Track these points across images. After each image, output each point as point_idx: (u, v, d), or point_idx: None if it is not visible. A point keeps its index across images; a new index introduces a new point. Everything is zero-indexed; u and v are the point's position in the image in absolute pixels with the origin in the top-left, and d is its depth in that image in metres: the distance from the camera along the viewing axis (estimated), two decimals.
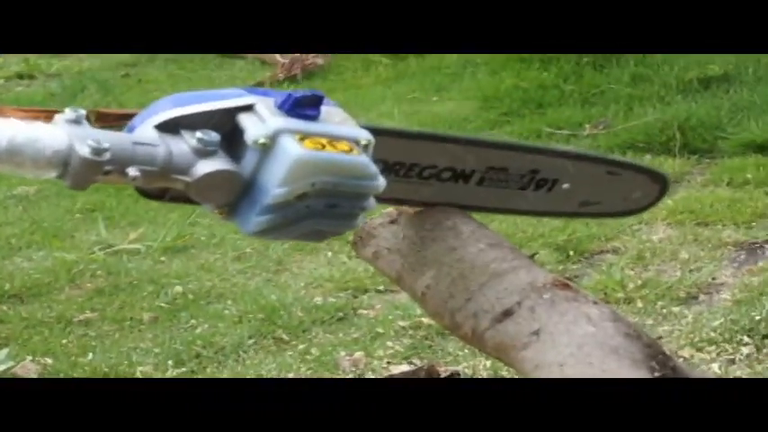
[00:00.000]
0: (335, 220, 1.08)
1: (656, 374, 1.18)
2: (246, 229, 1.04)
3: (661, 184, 1.46)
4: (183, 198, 1.05)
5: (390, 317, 2.76)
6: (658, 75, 4.75)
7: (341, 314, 2.87)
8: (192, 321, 2.91)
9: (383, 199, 1.17)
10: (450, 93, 5.25)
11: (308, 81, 5.94)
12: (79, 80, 6.50)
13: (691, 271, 2.91)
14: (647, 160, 3.98)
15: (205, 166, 1.00)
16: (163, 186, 1.04)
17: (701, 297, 2.76)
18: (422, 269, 1.35)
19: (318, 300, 2.97)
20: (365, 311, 2.88)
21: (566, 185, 1.37)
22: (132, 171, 0.98)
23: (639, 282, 2.83)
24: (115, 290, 3.19)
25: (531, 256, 1.41)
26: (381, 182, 1.07)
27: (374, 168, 1.07)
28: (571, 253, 3.11)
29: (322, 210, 1.05)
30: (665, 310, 2.67)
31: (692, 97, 4.51)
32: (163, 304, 3.05)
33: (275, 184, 1.01)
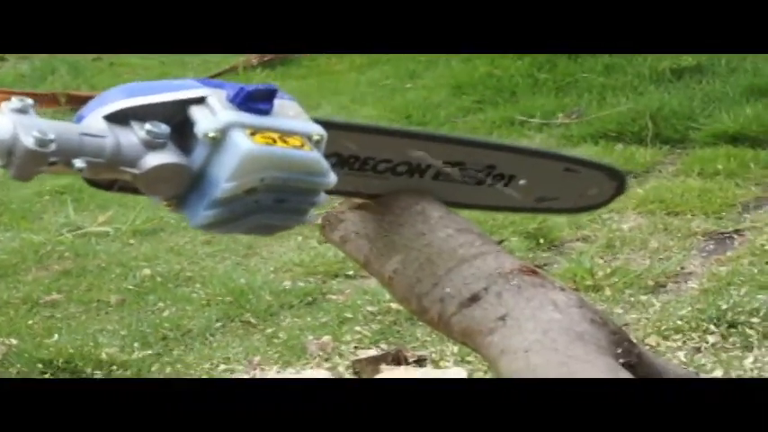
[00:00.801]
0: (284, 214, 1.06)
1: (621, 361, 1.18)
2: (194, 223, 1.03)
3: (618, 182, 1.46)
4: (132, 189, 1.04)
5: (359, 302, 2.75)
6: (631, 64, 4.77)
7: (309, 299, 2.86)
8: (160, 304, 2.90)
9: (337, 192, 1.16)
10: (423, 80, 5.25)
11: (283, 66, 5.92)
12: (50, 62, 6.45)
13: (660, 260, 2.92)
14: (618, 149, 3.99)
15: (154, 159, 0.99)
16: (111, 177, 1.02)
17: (669, 286, 2.77)
18: (389, 254, 1.35)
19: (287, 284, 2.96)
20: (334, 296, 2.87)
21: (522, 181, 1.38)
22: (78, 162, 0.96)
23: (608, 270, 2.83)
24: (83, 272, 3.17)
25: (500, 243, 1.41)
26: (332, 178, 1.06)
27: (325, 164, 1.05)
28: (541, 241, 3.11)
29: (271, 204, 1.04)
30: (633, 299, 2.68)
31: (664, 87, 4.53)
32: (130, 287, 3.03)
33: (224, 178, 0.99)
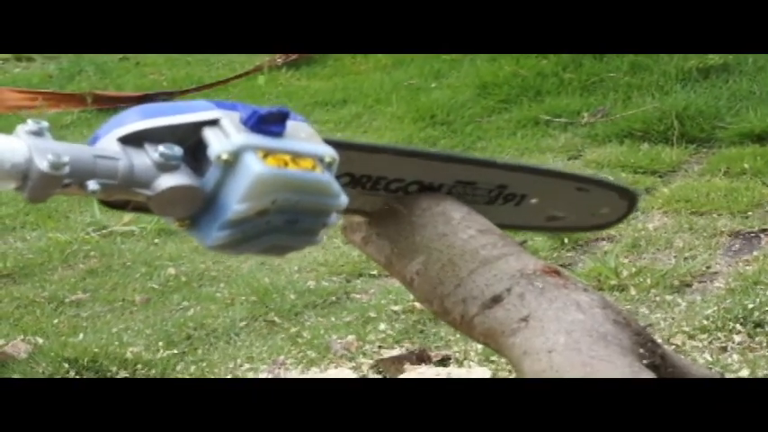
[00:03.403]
0: (296, 235, 1.07)
1: (645, 362, 1.17)
2: (206, 244, 1.03)
3: (629, 201, 1.47)
4: (146, 209, 1.04)
5: (383, 301, 2.75)
6: (658, 64, 4.74)
7: (333, 298, 2.86)
8: (185, 303, 2.90)
9: (350, 211, 1.16)
10: (448, 79, 5.24)
11: (308, 66, 5.92)
12: (77, 62, 6.48)
13: (685, 259, 2.90)
14: (644, 149, 3.98)
15: (166, 181, 0.99)
16: (124, 198, 1.03)
17: (695, 285, 2.75)
18: (411, 255, 1.34)
19: (311, 283, 2.96)
20: (358, 296, 2.87)
21: (534, 200, 1.38)
22: (92, 185, 0.97)
23: (634, 269, 2.82)
24: (108, 271, 3.19)
25: (522, 243, 1.41)
26: (343, 199, 1.07)
27: (337, 186, 1.06)
28: (566, 240, 3.10)
29: (282, 225, 1.05)
30: (658, 298, 2.67)
31: (691, 87, 4.50)
32: (155, 286, 3.04)
33: (236, 200, 1.00)
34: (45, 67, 6.68)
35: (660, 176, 3.71)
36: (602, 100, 4.56)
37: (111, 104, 5.65)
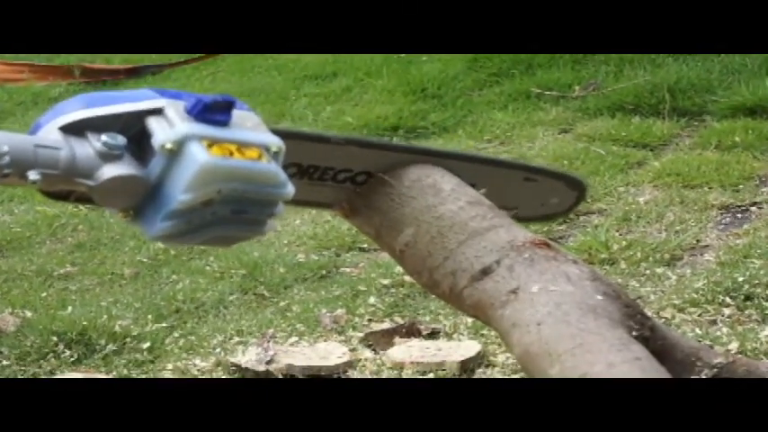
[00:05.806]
0: (242, 225, 1.06)
1: (634, 334, 1.17)
2: (150, 234, 1.02)
3: (578, 191, 1.48)
4: (89, 199, 1.03)
5: (373, 275, 2.74)
6: None
7: (323, 272, 2.85)
8: (174, 277, 2.89)
9: (297, 202, 1.15)
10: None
11: None
12: None
13: (676, 233, 2.90)
14: (635, 122, 3.97)
15: (109, 171, 0.98)
16: (66, 189, 1.01)
17: (686, 259, 2.75)
18: (400, 227, 1.34)
19: (301, 257, 2.95)
20: (348, 269, 2.86)
21: (482, 191, 1.38)
22: (33, 175, 0.96)
23: (624, 243, 2.81)
24: (97, 244, 3.18)
25: (512, 215, 1.40)
26: (290, 189, 1.06)
27: (283, 176, 1.05)
28: None
29: (228, 216, 1.04)
30: (648, 272, 2.66)
31: (682, 60, 4.49)
32: (144, 259, 3.03)
33: (180, 190, 0.99)
34: None
35: (651, 150, 3.71)
36: (593, 73, 4.54)
37: (100, 77, 5.62)
